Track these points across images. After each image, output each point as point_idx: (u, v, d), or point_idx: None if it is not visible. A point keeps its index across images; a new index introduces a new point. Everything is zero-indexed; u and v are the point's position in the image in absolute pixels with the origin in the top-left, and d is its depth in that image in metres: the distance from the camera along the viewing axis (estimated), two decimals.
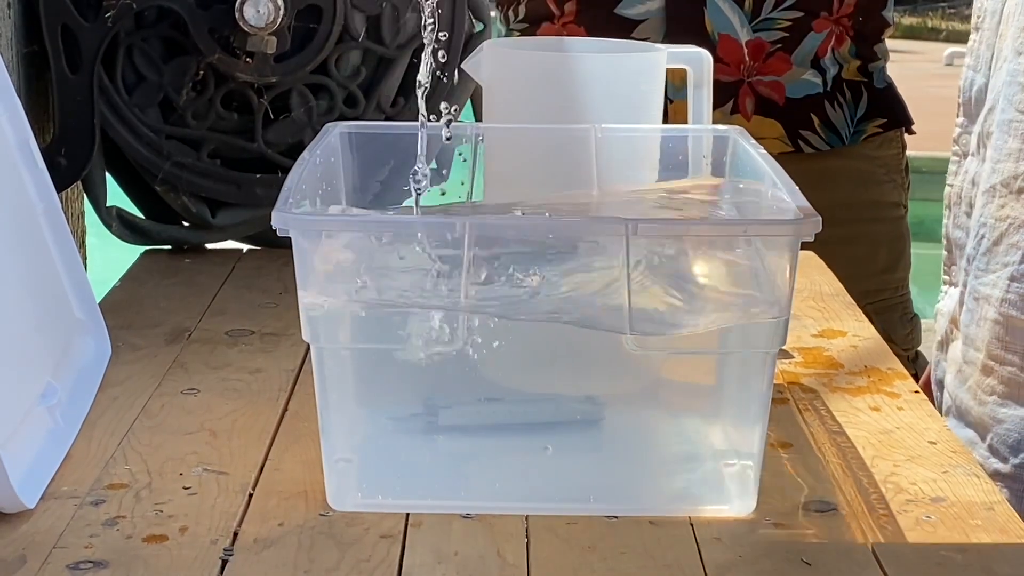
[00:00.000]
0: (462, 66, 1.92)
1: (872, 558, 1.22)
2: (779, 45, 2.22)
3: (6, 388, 1.31)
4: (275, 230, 1.22)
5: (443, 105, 1.50)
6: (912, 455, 1.42)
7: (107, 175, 2.00)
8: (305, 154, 1.40)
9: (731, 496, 1.32)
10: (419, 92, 1.43)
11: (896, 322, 2.25)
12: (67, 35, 1.91)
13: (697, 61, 1.75)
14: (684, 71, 1.74)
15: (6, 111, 1.56)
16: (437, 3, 1.93)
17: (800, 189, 1.83)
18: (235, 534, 1.25)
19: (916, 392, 1.60)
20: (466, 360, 1.30)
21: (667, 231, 1.36)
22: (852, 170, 2.29)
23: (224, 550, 1.22)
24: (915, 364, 2.25)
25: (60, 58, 1.91)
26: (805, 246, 1.56)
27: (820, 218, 1.29)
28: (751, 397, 1.32)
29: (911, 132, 2.41)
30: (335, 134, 1.50)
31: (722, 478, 1.34)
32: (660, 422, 1.40)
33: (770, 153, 1.79)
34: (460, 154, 1.64)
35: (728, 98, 2.20)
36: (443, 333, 1.27)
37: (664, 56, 1.72)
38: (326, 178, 1.44)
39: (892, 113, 2.33)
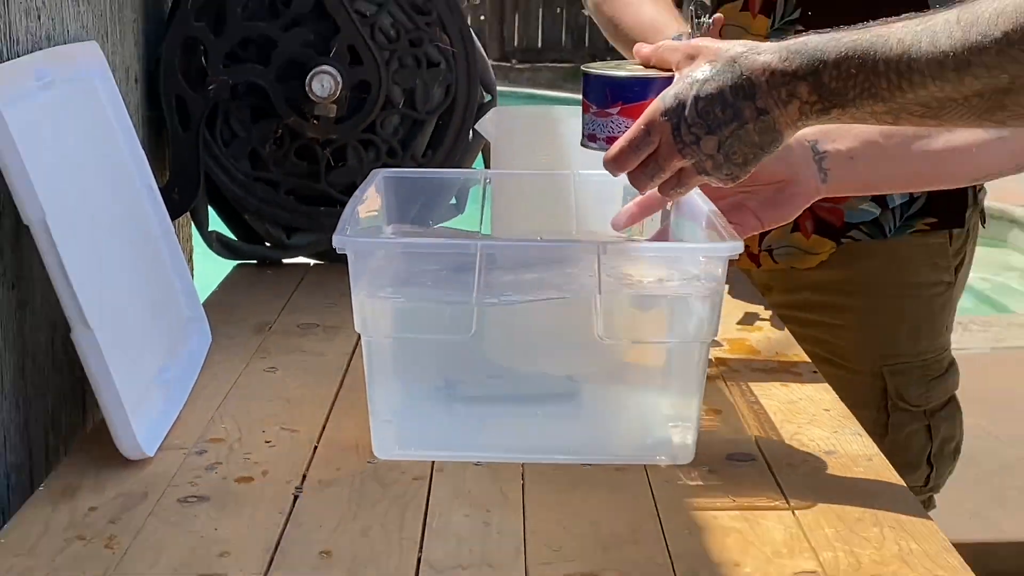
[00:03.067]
0: (475, 127, 1.93)
1: (781, 494, 1.23)
2: None
3: (134, 368, 1.32)
4: (335, 249, 1.23)
5: None
6: (811, 419, 1.42)
7: (209, 208, 2.00)
8: (357, 192, 1.41)
9: (675, 449, 1.32)
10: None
11: (910, 383, 1.92)
12: (179, 103, 1.91)
13: None
14: None
15: (134, 160, 1.58)
16: (456, 79, 1.95)
17: (828, 264, 1.88)
18: (304, 476, 1.26)
19: (814, 372, 1.59)
20: (476, 346, 1.31)
21: (626, 250, 1.37)
22: (890, 252, 1.92)
23: (296, 488, 1.24)
24: (930, 416, 1.94)
25: (174, 120, 1.91)
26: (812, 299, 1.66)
27: (741, 243, 1.27)
28: (691, 376, 1.33)
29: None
30: (379, 177, 1.50)
31: (669, 436, 1.34)
32: (622, 395, 1.40)
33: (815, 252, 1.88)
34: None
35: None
36: (461, 324, 1.28)
37: None
38: (369, 210, 1.44)
39: (946, 214, 1.89)
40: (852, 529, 1.16)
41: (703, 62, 1.17)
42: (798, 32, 1.75)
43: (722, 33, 1.83)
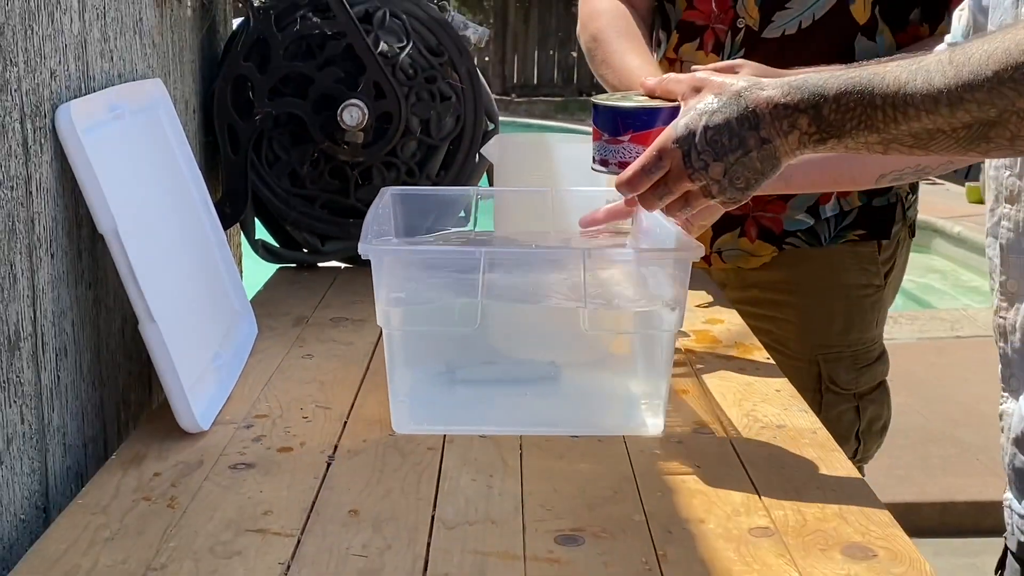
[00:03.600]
0: (481, 151, 1.93)
1: (739, 462, 1.23)
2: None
3: (191, 355, 1.32)
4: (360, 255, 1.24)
5: None
6: (764, 399, 1.42)
7: (255, 219, 2.00)
8: (372, 207, 1.41)
9: (647, 424, 1.32)
10: None
11: (841, 370, 1.92)
12: (230, 130, 1.91)
13: None
14: None
15: (192, 180, 1.58)
16: (464, 110, 1.95)
17: (771, 265, 1.90)
18: (335, 447, 1.26)
19: (767, 359, 1.59)
20: (474, 337, 1.31)
21: (607, 256, 1.37)
22: (825, 258, 1.91)
23: (328, 457, 1.24)
24: (859, 398, 1.95)
25: (226, 145, 1.91)
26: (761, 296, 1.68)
27: (702, 247, 1.27)
28: (660, 362, 1.33)
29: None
30: (388, 194, 1.49)
31: (641, 413, 1.34)
32: (600, 377, 1.41)
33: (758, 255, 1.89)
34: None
35: (737, 225, 1.88)
36: (468, 319, 1.28)
37: None
38: (382, 222, 1.43)
39: (874, 227, 1.90)
40: (799, 491, 1.16)
41: (709, 94, 1.14)
42: None
43: (680, 69, 1.82)
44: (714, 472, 1.21)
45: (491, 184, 1.86)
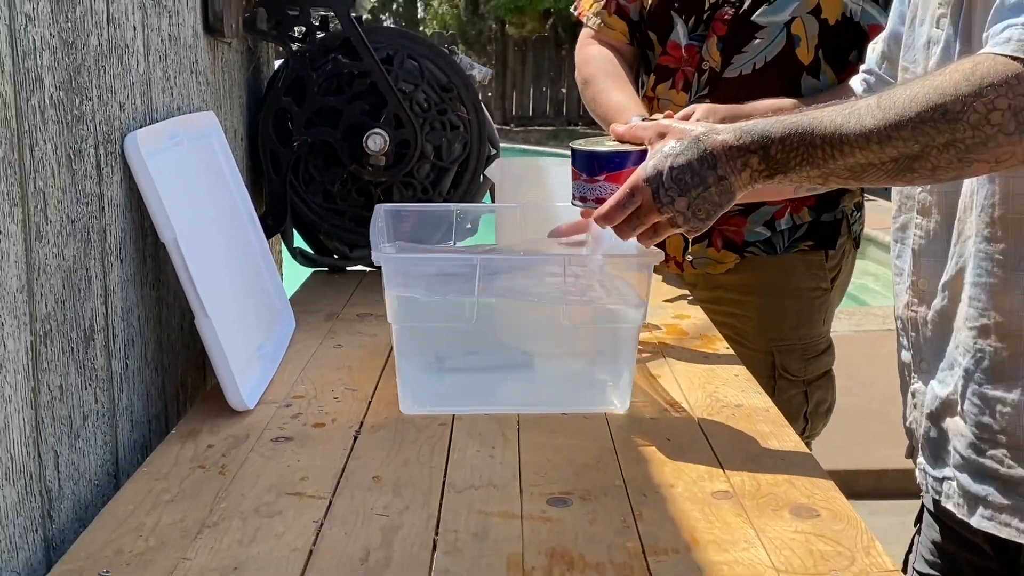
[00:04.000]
0: (485, 172, 1.94)
1: (703, 435, 1.23)
2: (740, 208, 1.81)
3: (239, 345, 1.32)
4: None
5: None
6: (725, 382, 1.42)
7: (294, 230, 2.00)
8: (372, 222, 1.39)
9: (615, 402, 1.32)
10: None
11: (791, 360, 1.91)
12: (272, 155, 1.91)
13: None
14: None
15: (240, 197, 1.58)
16: (471, 138, 1.95)
17: (734, 271, 1.90)
18: (361, 423, 1.26)
19: (727, 349, 1.59)
20: (461, 331, 1.31)
21: (583, 261, 1.37)
22: (779, 264, 1.90)
23: (355, 431, 1.24)
24: (807, 384, 1.94)
25: (269, 167, 1.91)
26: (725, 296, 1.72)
27: (660, 252, 1.28)
28: (627, 349, 1.32)
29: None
30: (382, 210, 1.47)
31: (609, 393, 1.34)
32: (572, 363, 1.40)
33: (723, 262, 1.90)
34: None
35: (705, 237, 1.86)
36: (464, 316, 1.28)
37: None
38: (382, 233, 1.41)
39: (821, 239, 1.88)
40: (754, 461, 1.16)
41: (672, 139, 1.13)
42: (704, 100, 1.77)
43: (657, 106, 1.87)
44: (682, 445, 1.21)
45: (493, 200, 1.86)
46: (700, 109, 1.59)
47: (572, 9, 2.09)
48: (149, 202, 1.21)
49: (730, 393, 1.38)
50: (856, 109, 1.03)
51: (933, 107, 0.97)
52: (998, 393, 1.11)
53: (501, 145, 2.05)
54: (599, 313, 1.36)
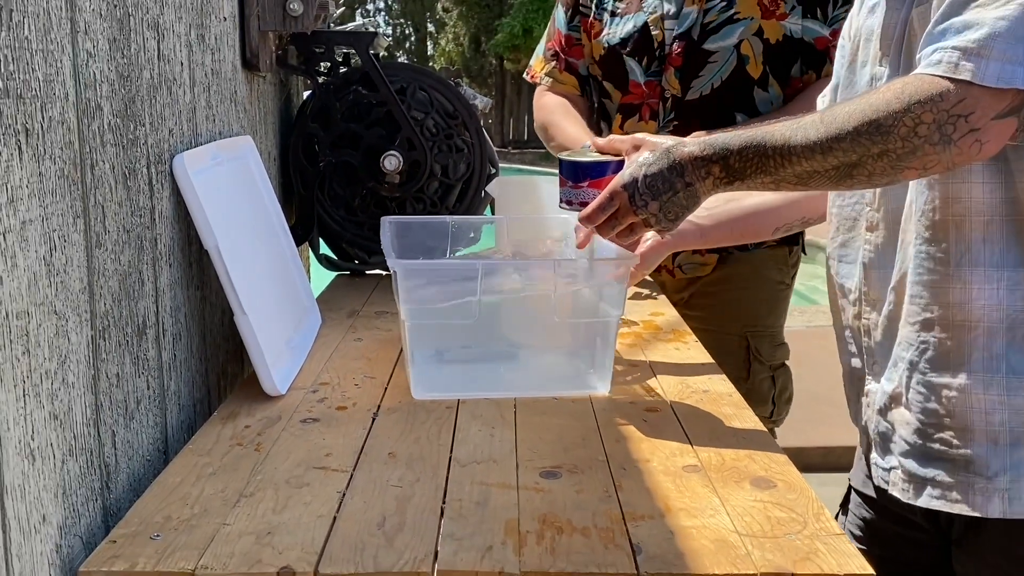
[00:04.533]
0: (486, 189, 1.93)
1: (675, 417, 1.23)
2: None
3: (272, 338, 1.32)
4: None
5: None
6: (694, 371, 1.41)
7: (320, 239, 2.00)
8: (382, 232, 1.41)
9: (598, 386, 1.32)
10: None
11: (763, 344, 1.92)
12: (301, 173, 1.90)
13: None
14: None
15: (274, 210, 1.58)
16: (473, 159, 1.95)
17: (717, 266, 1.91)
18: (378, 406, 1.26)
19: (696, 341, 1.58)
20: (459, 327, 1.30)
21: (571, 267, 1.36)
22: (752, 259, 1.90)
23: (373, 413, 1.23)
24: (773, 370, 1.94)
25: (298, 184, 1.91)
26: (705, 290, 1.73)
27: (637, 257, 1.29)
28: (609, 339, 1.32)
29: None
30: (388, 221, 1.47)
31: (590, 379, 1.33)
32: (558, 353, 1.39)
33: (707, 263, 1.92)
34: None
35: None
36: (467, 313, 1.27)
37: None
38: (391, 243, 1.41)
39: (786, 237, 1.76)
40: (719, 439, 1.16)
41: (646, 151, 1.15)
42: (675, 127, 1.80)
43: (627, 130, 1.87)
44: (657, 425, 1.20)
45: (493, 212, 1.86)
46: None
47: (524, 75, 2.15)
48: (194, 214, 1.21)
49: (698, 380, 1.38)
50: (803, 124, 1.04)
51: (868, 122, 0.98)
52: (944, 380, 1.08)
53: (500, 165, 2.05)
54: (584, 309, 1.35)
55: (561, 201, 1.29)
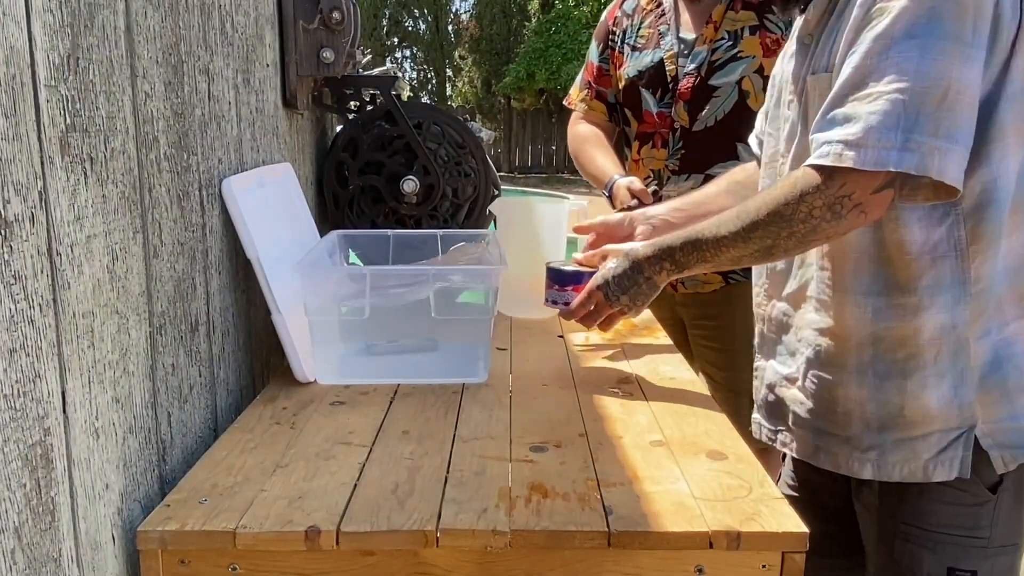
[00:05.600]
0: (490, 208, 1.93)
1: (644, 399, 1.22)
2: None
3: (306, 335, 1.31)
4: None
5: None
6: (663, 361, 1.40)
7: (349, 250, 1.99)
8: (318, 243, 1.38)
9: (480, 373, 1.30)
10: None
11: None
12: (334, 196, 1.89)
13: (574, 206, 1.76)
14: None
15: (308, 227, 1.57)
16: (479, 183, 1.94)
17: (719, 292, 1.79)
18: (395, 391, 1.25)
19: (665, 337, 1.57)
20: (381, 326, 1.29)
21: (447, 271, 1.34)
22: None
23: (390, 398, 1.22)
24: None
25: (331, 205, 1.90)
26: (709, 311, 1.72)
27: (506, 265, 1.27)
28: (485, 335, 1.29)
29: None
30: (334, 235, 1.46)
31: (481, 368, 1.31)
32: (458, 347, 1.35)
33: (710, 283, 1.80)
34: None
35: None
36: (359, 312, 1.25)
37: (566, 205, 1.71)
38: (332, 251, 1.41)
39: None
40: (682, 418, 1.15)
41: (612, 260, 1.23)
42: (683, 155, 1.76)
43: (642, 164, 1.82)
44: (629, 407, 1.20)
45: (496, 227, 1.86)
46: (637, 218, 1.50)
47: (564, 102, 2.08)
48: (239, 229, 1.21)
49: (666, 368, 1.37)
50: (725, 219, 1.10)
51: (772, 213, 1.03)
52: (830, 376, 1.13)
53: (505, 187, 2.05)
54: (461, 308, 1.32)
55: (547, 300, 1.35)
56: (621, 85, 1.87)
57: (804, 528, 0.84)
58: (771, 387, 1.23)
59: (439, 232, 1.58)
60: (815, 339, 1.15)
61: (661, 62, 1.80)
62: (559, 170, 17.25)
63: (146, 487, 0.94)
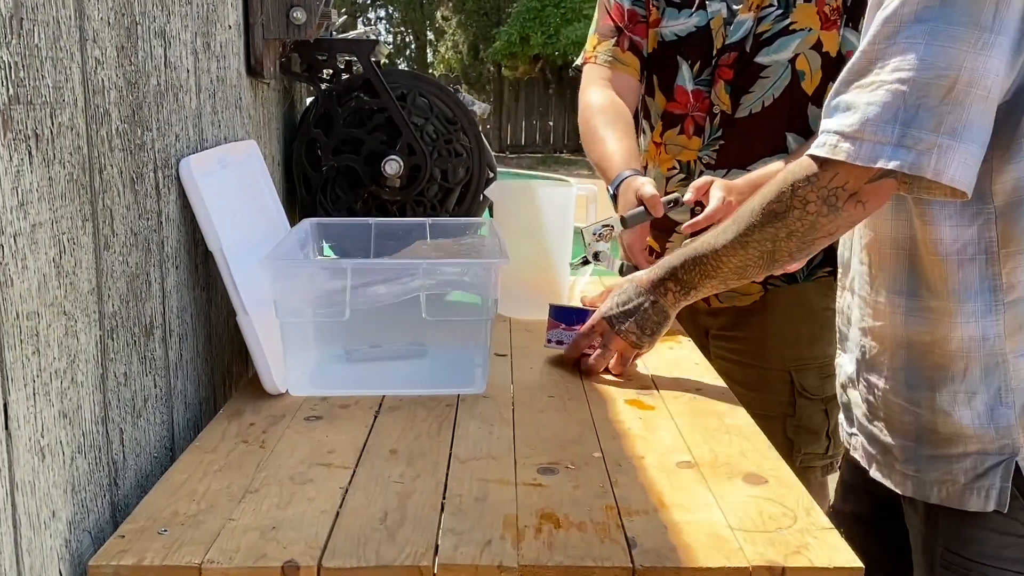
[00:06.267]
0: (484, 192, 1.93)
1: (668, 414, 1.22)
2: None
3: (276, 338, 1.31)
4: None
5: None
6: (687, 370, 1.41)
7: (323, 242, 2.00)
8: (290, 232, 1.40)
9: (476, 383, 1.30)
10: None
11: (809, 378, 1.71)
12: (304, 178, 1.90)
13: (583, 190, 1.76)
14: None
15: (277, 213, 1.57)
16: (472, 163, 1.95)
17: (759, 300, 1.75)
18: (380, 404, 1.25)
19: (688, 340, 1.58)
20: (362, 328, 1.29)
21: (440, 267, 1.35)
22: (795, 290, 1.72)
23: (375, 411, 1.23)
24: (826, 403, 1.72)
25: (301, 188, 1.91)
26: (742, 320, 1.71)
27: (507, 258, 1.26)
28: (483, 340, 1.30)
29: None
30: (307, 223, 1.49)
31: (479, 377, 1.31)
32: (451, 353, 1.35)
33: (749, 294, 1.73)
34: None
35: None
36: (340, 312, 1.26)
37: (573, 189, 1.72)
38: (305, 243, 1.42)
39: (835, 264, 1.41)
40: (712, 435, 1.16)
41: (616, 292, 1.34)
42: (722, 146, 1.67)
43: (665, 152, 1.72)
44: (651, 422, 1.20)
45: (491, 215, 1.87)
46: (717, 186, 1.53)
47: (578, 61, 1.85)
48: (199, 217, 1.21)
49: (691, 379, 1.38)
50: (723, 229, 1.17)
51: (766, 211, 1.10)
52: (874, 379, 1.19)
53: (498, 169, 2.05)
54: (455, 308, 1.32)
55: (549, 340, 1.46)
56: (651, 47, 1.72)
57: (858, 562, 0.85)
58: (843, 386, 1.29)
59: (427, 220, 1.59)
60: (860, 338, 1.20)
61: (708, 27, 1.66)
62: (557, 149, 17.28)
63: (96, 515, 0.94)
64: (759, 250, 1.13)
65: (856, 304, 1.22)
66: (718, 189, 1.53)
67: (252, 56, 1.58)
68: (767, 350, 1.75)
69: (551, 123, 17.68)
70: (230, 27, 1.46)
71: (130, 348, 1.04)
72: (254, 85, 1.62)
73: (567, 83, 17.02)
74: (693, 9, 1.68)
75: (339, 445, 1.11)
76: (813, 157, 1.06)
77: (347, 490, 0.99)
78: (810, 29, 1.60)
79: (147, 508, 0.95)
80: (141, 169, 1.07)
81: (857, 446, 1.26)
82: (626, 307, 1.30)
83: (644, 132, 1.80)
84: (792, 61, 1.61)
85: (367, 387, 1.30)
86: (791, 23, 1.61)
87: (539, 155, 16.89)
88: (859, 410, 1.24)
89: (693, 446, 1.12)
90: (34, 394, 0.81)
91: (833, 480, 1.79)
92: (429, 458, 1.08)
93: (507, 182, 1.87)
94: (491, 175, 1.99)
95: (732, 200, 1.51)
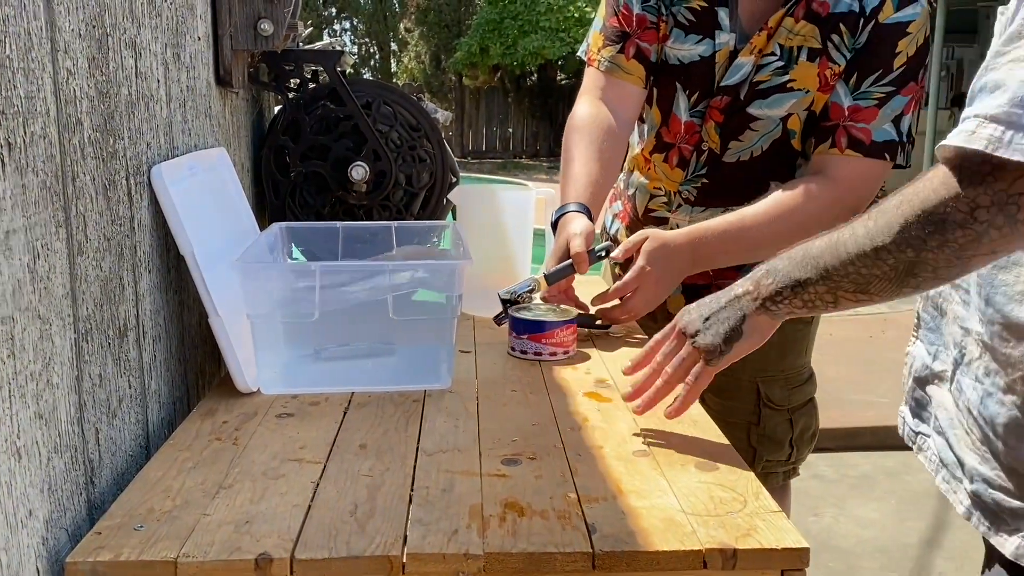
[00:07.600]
0: (447, 196, 1.93)
1: (625, 406, 1.22)
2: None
3: (247, 339, 1.30)
4: None
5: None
6: None
7: (292, 245, 1.98)
8: (260, 235, 1.39)
9: (446, 379, 1.30)
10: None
11: (774, 389, 1.67)
12: (273, 183, 1.88)
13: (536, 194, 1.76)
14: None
15: (247, 218, 1.55)
16: (436, 169, 1.94)
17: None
18: (349, 401, 1.24)
19: (643, 336, 1.57)
20: (331, 328, 1.28)
21: (403, 267, 1.35)
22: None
23: (344, 408, 1.22)
24: (791, 412, 1.69)
25: (270, 194, 1.88)
26: None
27: (470, 260, 1.24)
28: (448, 337, 1.29)
29: None
30: (277, 227, 1.47)
31: (444, 373, 1.31)
32: (417, 350, 1.35)
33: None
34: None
35: (703, 289, 1.42)
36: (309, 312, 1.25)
37: (532, 193, 1.72)
38: (274, 246, 1.42)
39: None
40: (666, 425, 1.16)
41: (708, 301, 1.12)
42: (704, 185, 1.58)
43: (653, 171, 1.64)
44: (609, 413, 1.21)
45: (455, 218, 1.86)
46: (643, 253, 1.46)
47: (581, 54, 1.71)
48: (171, 222, 1.19)
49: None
50: (854, 225, 0.92)
51: (923, 213, 0.84)
52: (967, 391, 1.02)
53: (460, 174, 2.05)
54: (421, 307, 1.32)
55: (515, 349, 1.42)
56: (655, 60, 1.59)
57: (804, 543, 0.86)
58: (918, 380, 1.11)
59: (393, 224, 1.58)
60: (960, 338, 1.02)
61: (712, 59, 1.52)
62: (516, 154, 17.30)
63: (73, 513, 0.92)
64: (895, 258, 0.87)
65: (957, 299, 1.02)
66: (642, 257, 1.46)
67: (221, 66, 1.56)
68: (735, 363, 1.71)
69: (510, 130, 17.69)
70: (199, 39, 1.44)
71: (105, 350, 1.02)
72: (223, 94, 1.60)
73: (525, 91, 17.03)
74: (700, 37, 1.53)
75: (310, 441, 1.11)
76: (972, 153, 0.80)
77: (318, 484, 0.99)
78: (807, 91, 1.48)
79: (123, 505, 0.94)
80: (113, 176, 1.05)
81: (925, 447, 1.10)
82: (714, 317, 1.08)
83: (638, 137, 1.72)
84: (784, 119, 1.51)
85: (336, 384, 1.29)
86: (790, 80, 1.48)
87: (499, 160, 16.90)
88: (944, 414, 1.05)
89: (648, 435, 1.13)
90: (10, 396, 0.79)
91: (794, 484, 1.79)
92: (397, 452, 1.07)
93: (469, 186, 1.86)
94: (454, 180, 1.98)
95: (649, 269, 1.44)
